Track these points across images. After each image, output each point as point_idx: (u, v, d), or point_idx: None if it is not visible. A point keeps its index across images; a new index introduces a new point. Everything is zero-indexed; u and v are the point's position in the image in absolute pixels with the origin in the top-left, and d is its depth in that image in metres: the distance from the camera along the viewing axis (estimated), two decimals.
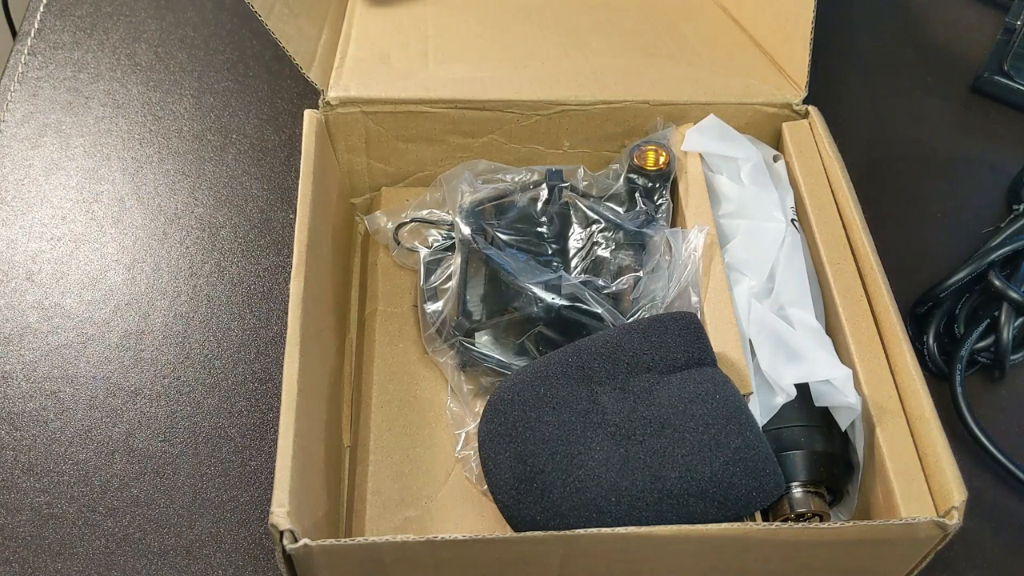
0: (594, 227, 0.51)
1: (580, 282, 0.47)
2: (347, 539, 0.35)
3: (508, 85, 0.53)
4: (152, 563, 0.45)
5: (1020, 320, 0.51)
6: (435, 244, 0.53)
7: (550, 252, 0.50)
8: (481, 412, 0.44)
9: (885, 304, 0.44)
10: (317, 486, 0.40)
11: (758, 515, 0.41)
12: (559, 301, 0.47)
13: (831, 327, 0.46)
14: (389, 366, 0.50)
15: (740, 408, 0.40)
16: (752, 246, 0.48)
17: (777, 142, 0.54)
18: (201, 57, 0.67)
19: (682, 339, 0.42)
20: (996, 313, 0.51)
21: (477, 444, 0.43)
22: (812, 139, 0.53)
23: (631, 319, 0.47)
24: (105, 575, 0.45)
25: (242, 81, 0.65)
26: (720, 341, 0.44)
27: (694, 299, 0.47)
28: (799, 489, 0.42)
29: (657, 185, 0.51)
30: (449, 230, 0.52)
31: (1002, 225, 0.55)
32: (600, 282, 0.48)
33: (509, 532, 0.41)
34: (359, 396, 0.49)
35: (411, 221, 0.53)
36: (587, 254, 0.50)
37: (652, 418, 0.39)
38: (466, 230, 0.50)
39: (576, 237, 0.51)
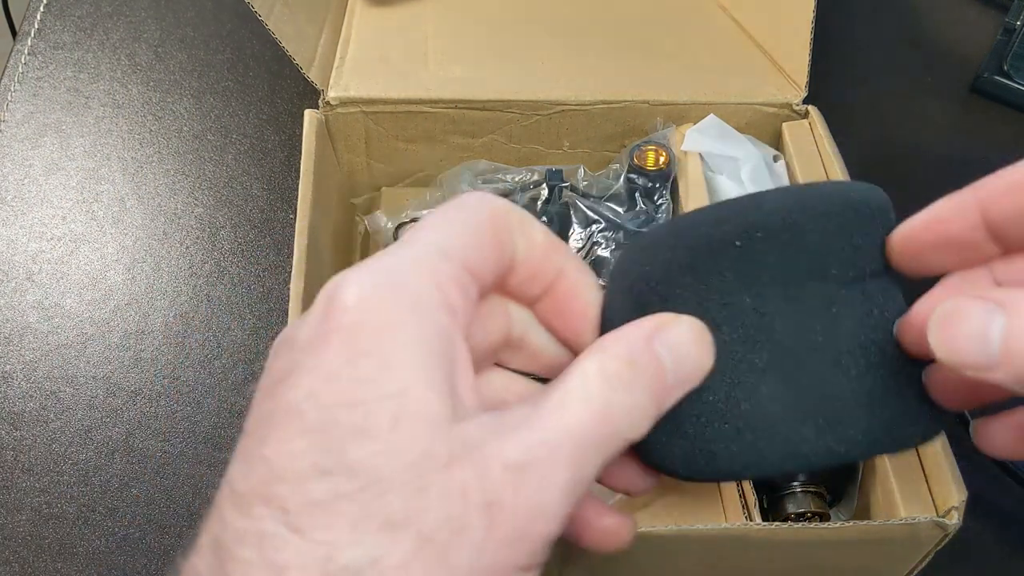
0: (594, 227, 0.51)
1: None
2: None
3: (508, 85, 0.53)
4: (152, 563, 0.45)
5: None
6: None
7: None
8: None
9: None
10: None
11: (758, 515, 0.41)
12: None
13: None
14: None
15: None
16: None
17: (777, 142, 0.54)
18: (201, 57, 0.67)
19: (869, 236, 0.30)
20: None
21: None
22: (812, 139, 0.53)
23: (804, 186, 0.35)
24: (105, 575, 0.45)
25: (242, 81, 0.65)
26: None
27: None
28: (799, 489, 0.42)
29: (657, 185, 0.51)
30: None
31: None
32: (600, 282, 0.48)
33: None
34: None
35: (411, 221, 0.53)
36: (587, 254, 0.50)
37: (829, 347, 0.29)
38: None
39: (576, 237, 0.51)
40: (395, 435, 0.21)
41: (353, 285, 0.23)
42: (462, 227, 0.25)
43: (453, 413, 0.22)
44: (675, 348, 0.25)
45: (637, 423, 0.24)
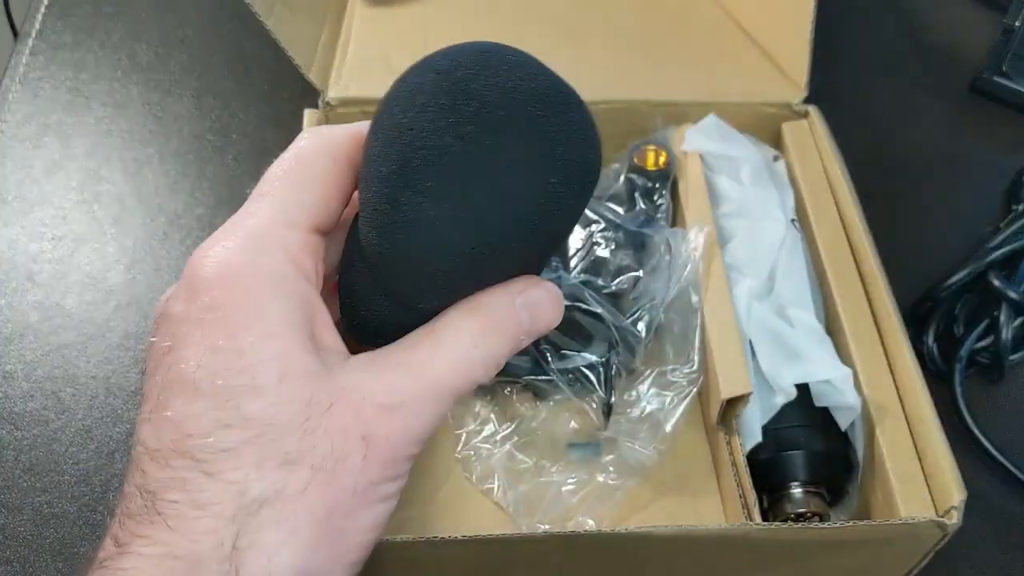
0: (594, 227, 0.51)
1: (580, 282, 0.47)
2: None
3: None
4: None
5: (1019, 320, 0.51)
6: None
7: None
8: (479, 412, 0.44)
9: (885, 304, 0.44)
10: None
11: (758, 515, 0.41)
12: None
13: (831, 327, 0.46)
14: None
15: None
16: (752, 246, 0.48)
17: (777, 142, 0.54)
18: (201, 57, 0.67)
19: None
20: (995, 313, 0.51)
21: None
22: (812, 139, 0.53)
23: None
24: None
25: (242, 81, 0.65)
26: (720, 341, 0.44)
27: (694, 299, 0.47)
28: (799, 489, 0.42)
29: (657, 185, 0.51)
30: None
31: (1001, 225, 0.55)
32: (600, 282, 0.48)
33: (510, 531, 0.41)
34: None
35: None
36: (587, 254, 0.50)
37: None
38: None
39: (576, 237, 0.51)
40: (283, 388, 0.25)
41: (213, 262, 0.27)
42: (305, 185, 0.28)
43: (325, 365, 0.26)
44: (533, 307, 0.29)
45: (491, 370, 0.29)
